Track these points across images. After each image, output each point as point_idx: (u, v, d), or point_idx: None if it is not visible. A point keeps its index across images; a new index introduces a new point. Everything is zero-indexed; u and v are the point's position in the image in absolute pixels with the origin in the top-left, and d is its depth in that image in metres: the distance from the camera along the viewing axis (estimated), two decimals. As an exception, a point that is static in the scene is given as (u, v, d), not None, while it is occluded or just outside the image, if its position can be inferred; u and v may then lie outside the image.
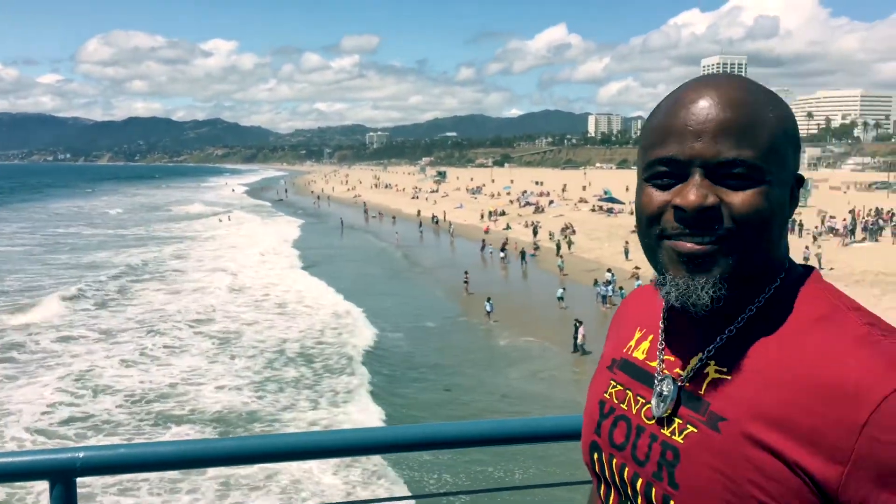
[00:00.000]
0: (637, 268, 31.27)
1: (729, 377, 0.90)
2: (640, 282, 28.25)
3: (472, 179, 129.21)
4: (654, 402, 0.96)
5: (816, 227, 45.05)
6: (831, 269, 31.92)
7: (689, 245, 0.90)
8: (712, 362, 0.93)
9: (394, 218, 64.45)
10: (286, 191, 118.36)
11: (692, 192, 0.88)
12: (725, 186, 0.88)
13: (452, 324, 25.61)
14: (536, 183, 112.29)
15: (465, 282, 30.85)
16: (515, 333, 22.53)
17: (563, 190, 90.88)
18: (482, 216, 62.04)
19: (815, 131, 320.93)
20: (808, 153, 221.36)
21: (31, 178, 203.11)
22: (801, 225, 44.49)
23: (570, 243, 41.39)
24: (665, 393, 0.95)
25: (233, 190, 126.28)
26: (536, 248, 43.33)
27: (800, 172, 0.97)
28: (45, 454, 1.55)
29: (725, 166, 0.88)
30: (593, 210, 64.21)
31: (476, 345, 22.69)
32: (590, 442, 1.05)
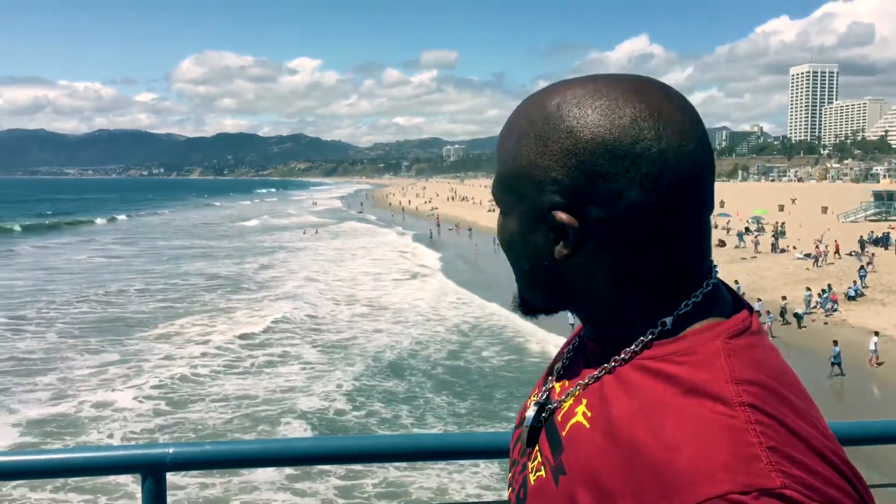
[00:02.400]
0: (736, 282, 30.11)
1: (588, 426, 0.78)
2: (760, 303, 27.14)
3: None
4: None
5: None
6: (933, 286, 29.91)
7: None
8: (584, 401, 0.81)
9: (470, 230, 64.43)
10: (361, 203, 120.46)
11: None
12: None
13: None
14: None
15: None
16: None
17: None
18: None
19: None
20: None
21: (145, 192, 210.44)
22: (899, 240, 42.08)
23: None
24: (527, 420, 0.87)
25: (314, 203, 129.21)
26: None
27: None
28: (138, 449, 1.65)
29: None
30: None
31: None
32: (510, 456, 0.98)
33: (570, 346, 0.93)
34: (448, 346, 23.40)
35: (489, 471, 12.82)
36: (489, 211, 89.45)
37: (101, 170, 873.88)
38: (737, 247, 43.25)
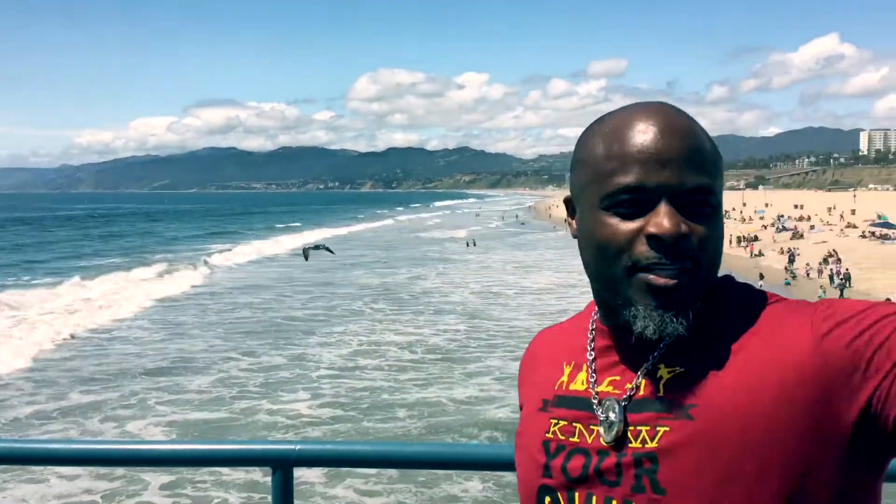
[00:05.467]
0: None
1: (683, 368, 0.92)
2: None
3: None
4: (602, 430, 0.94)
5: None
6: None
7: (662, 280, 0.89)
8: (662, 366, 0.93)
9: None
10: (517, 216, 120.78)
11: (667, 220, 0.88)
12: (688, 214, 0.90)
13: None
14: (795, 206, 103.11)
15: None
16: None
17: (829, 213, 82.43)
18: (730, 242, 58.35)
19: None
20: None
21: (348, 204, 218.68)
22: None
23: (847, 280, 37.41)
24: (612, 419, 0.93)
25: (476, 215, 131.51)
26: (793, 276, 39.95)
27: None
28: (268, 444, 1.78)
29: (690, 193, 0.90)
30: (864, 236, 57.38)
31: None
32: (537, 487, 0.99)
33: (591, 356, 1.02)
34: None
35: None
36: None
37: (283, 184, 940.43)
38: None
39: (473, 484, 12.21)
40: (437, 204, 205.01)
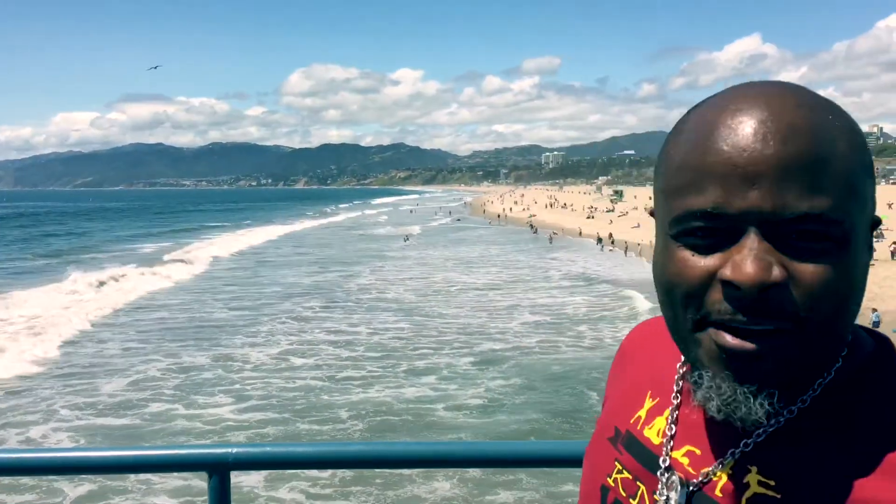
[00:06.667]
0: None
1: (779, 495, 0.67)
2: None
3: (650, 198, 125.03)
4: None
5: None
6: None
7: (737, 340, 0.65)
8: (754, 469, 0.70)
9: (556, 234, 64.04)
10: (449, 212, 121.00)
11: (750, 263, 0.63)
12: (792, 251, 0.64)
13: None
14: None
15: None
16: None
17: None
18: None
19: None
20: None
21: (293, 202, 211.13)
22: None
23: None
24: (671, 500, 0.74)
25: (411, 211, 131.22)
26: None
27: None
28: (203, 448, 1.73)
29: (794, 223, 0.63)
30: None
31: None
32: None
33: (674, 402, 0.80)
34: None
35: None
36: (588, 218, 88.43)
37: (214, 181, 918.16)
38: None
39: (440, 484, 11.59)
40: (380, 200, 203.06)
